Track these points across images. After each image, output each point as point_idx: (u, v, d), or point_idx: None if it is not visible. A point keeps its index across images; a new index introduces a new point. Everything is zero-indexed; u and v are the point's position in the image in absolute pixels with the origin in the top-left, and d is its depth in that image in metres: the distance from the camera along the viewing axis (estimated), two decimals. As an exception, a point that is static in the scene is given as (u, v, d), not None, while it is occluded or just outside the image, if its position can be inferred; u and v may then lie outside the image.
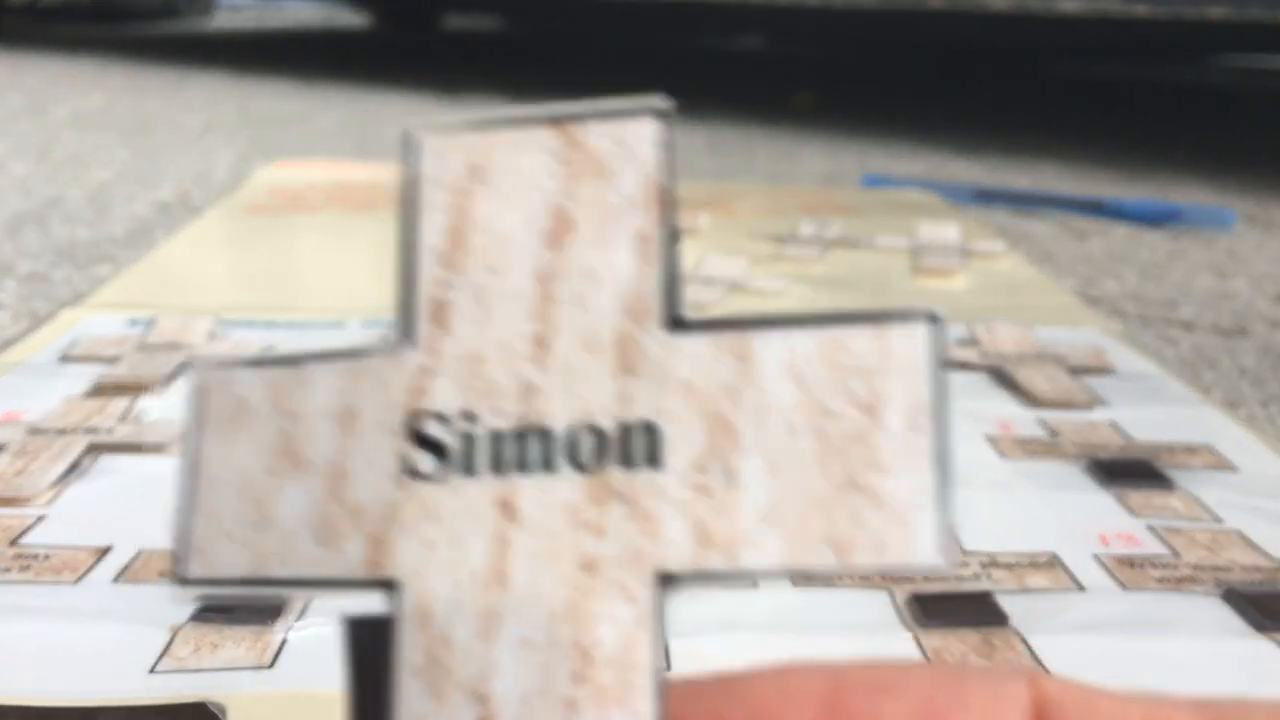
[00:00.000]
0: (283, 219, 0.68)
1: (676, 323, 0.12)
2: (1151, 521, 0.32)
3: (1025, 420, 0.39)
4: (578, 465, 0.11)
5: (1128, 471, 0.35)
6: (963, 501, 0.33)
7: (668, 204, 0.12)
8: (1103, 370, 0.44)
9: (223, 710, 0.23)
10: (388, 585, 0.11)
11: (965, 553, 0.30)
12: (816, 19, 1.53)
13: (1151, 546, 0.31)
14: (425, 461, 0.12)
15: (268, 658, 0.24)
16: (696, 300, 0.52)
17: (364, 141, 1.06)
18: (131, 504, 0.31)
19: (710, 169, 0.97)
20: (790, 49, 2.52)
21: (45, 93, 1.31)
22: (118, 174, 0.84)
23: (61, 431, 0.35)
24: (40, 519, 0.30)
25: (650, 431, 0.11)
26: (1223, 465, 0.36)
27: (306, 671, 0.24)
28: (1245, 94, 1.88)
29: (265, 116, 1.19)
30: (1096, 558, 0.30)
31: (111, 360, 0.42)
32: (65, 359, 0.42)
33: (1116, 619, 0.27)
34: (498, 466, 0.11)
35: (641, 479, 0.11)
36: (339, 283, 0.55)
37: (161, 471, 0.33)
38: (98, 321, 0.47)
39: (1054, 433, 0.38)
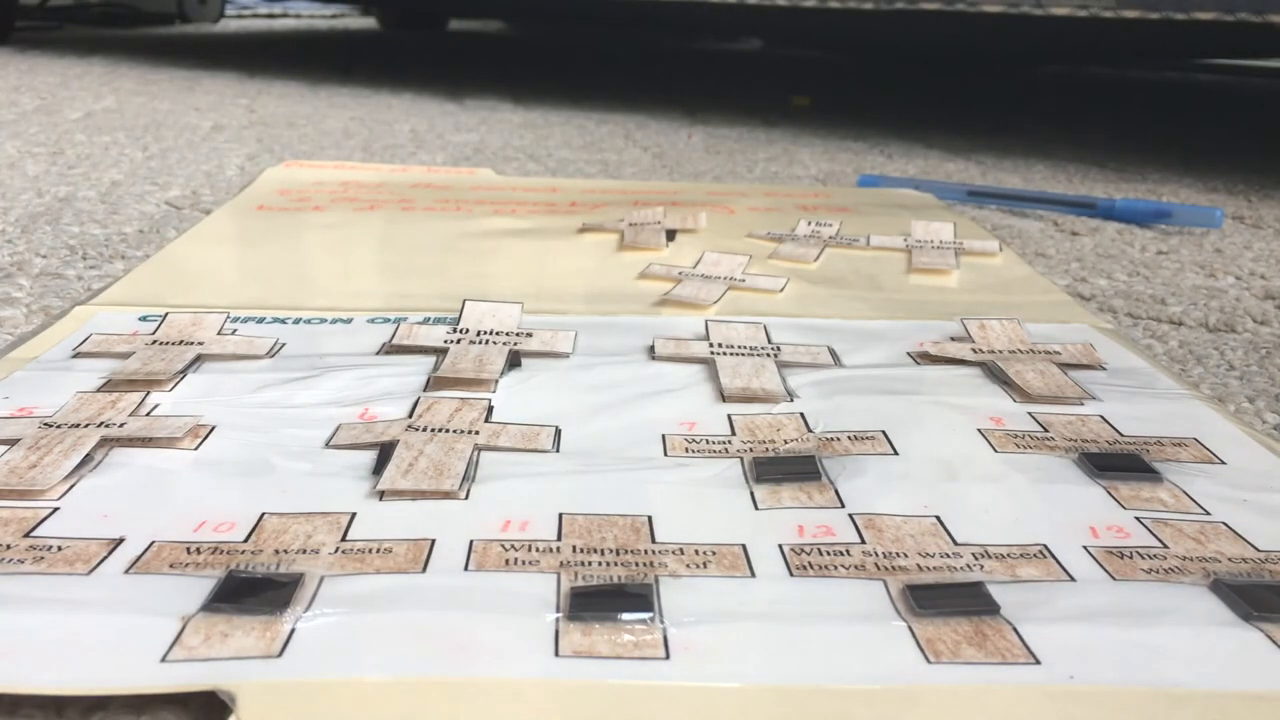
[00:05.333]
0: (291, 217, 0.69)
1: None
2: (1140, 514, 0.33)
3: (1017, 415, 0.40)
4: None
5: (1117, 465, 0.35)
6: (956, 493, 0.33)
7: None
8: (1093, 366, 0.45)
9: (233, 699, 0.23)
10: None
11: (958, 544, 0.30)
12: (813, 21, 1.54)
13: (1140, 538, 0.31)
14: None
15: (277, 647, 0.25)
16: (696, 298, 0.53)
17: (370, 142, 1.06)
18: (143, 496, 0.32)
19: (709, 169, 0.97)
20: (787, 51, 2.52)
21: (58, 94, 1.31)
22: (129, 173, 0.84)
23: (74, 426, 0.35)
24: (53, 511, 0.30)
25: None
26: (1210, 459, 0.36)
27: (315, 661, 0.24)
28: (1234, 95, 1.88)
29: (274, 117, 1.20)
30: (1086, 549, 0.30)
31: (123, 356, 0.43)
32: (78, 355, 0.43)
33: (1106, 609, 0.27)
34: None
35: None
36: (346, 280, 0.56)
37: (173, 465, 0.34)
38: (110, 318, 0.47)
39: (1045, 427, 0.39)
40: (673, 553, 0.29)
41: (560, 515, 0.31)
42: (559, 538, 0.30)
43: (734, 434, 0.37)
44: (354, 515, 0.31)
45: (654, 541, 0.30)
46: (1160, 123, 1.46)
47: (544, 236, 0.65)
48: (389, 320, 0.49)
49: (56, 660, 0.24)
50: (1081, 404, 0.41)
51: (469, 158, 0.99)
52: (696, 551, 0.30)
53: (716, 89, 1.70)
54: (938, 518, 0.32)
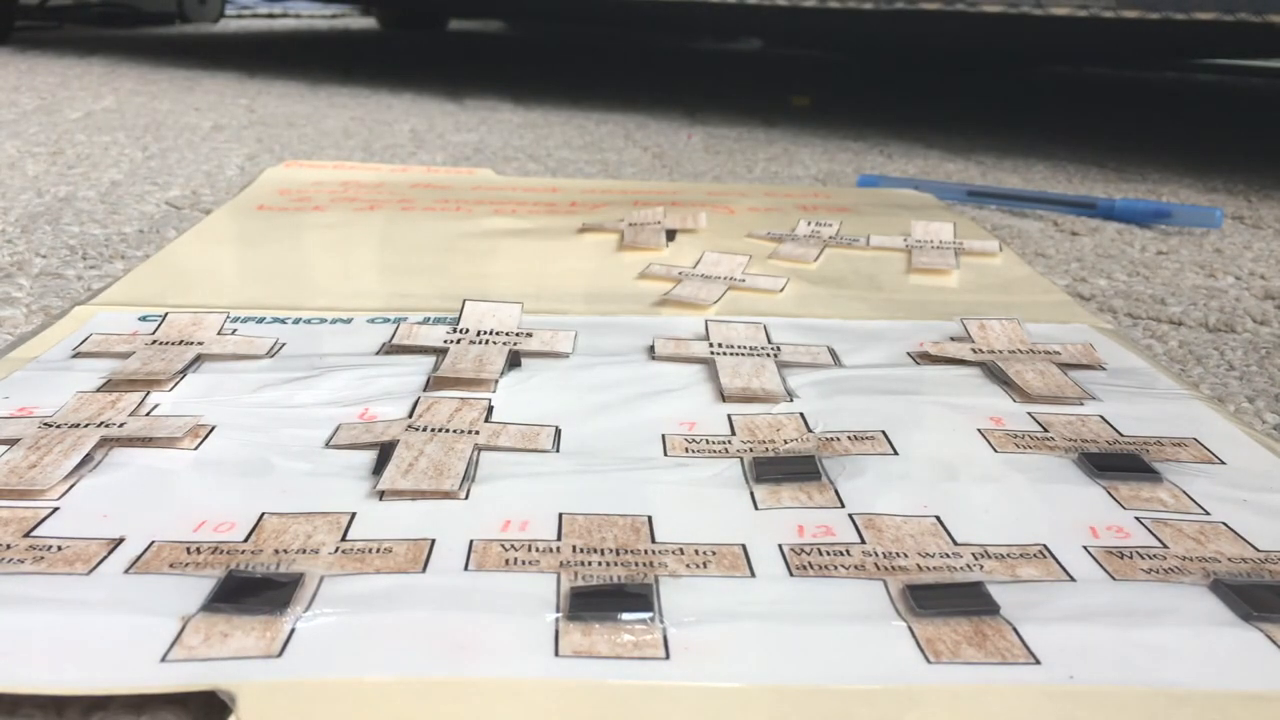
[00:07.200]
0: (291, 217, 0.69)
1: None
2: (1140, 514, 0.33)
3: (1017, 415, 0.40)
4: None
5: (1117, 465, 0.35)
6: (956, 493, 0.33)
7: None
8: (1093, 366, 0.45)
9: (233, 699, 0.23)
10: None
11: (957, 544, 0.30)
12: (813, 21, 1.54)
13: (1140, 538, 0.31)
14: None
15: (277, 647, 0.25)
16: (696, 298, 0.53)
17: (370, 142, 1.06)
18: (143, 496, 0.32)
19: (709, 169, 0.97)
20: (787, 51, 2.52)
21: (58, 94, 1.31)
22: (129, 173, 0.84)
23: (74, 426, 0.35)
24: (53, 511, 0.30)
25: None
26: (1210, 459, 0.36)
27: (315, 661, 0.24)
28: (1234, 95, 1.88)
29: (274, 117, 1.20)
30: (1086, 549, 0.30)
31: (123, 356, 0.43)
32: (78, 355, 0.43)
33: (1106, 609, 0.27)
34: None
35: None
36: (346, 280, 0.55)
37: (173, 465, 0.34)
38: (110, 318, 0.47)
39: (1045, 427, 0.39)
40: (673, 553, 0.29)
41: (560, 515, 0.31)
42: (559, 538, 0.30)
43: (734, 434, 0.37)
44: (354, 515, 0.31)
45: (654, 541, 0.30)
46: (1160, 123, 1.46)
47: (544, 236, 0.65)
48: (389, 320, 0.49)
49: (56, 660, 0.24)
50: (1081, 404, 0.41)
51: (469, 158, 0.99)
52: (696, 551, 0.30)
53: (716, 89, 1.70)
54: (938, 518, 0.32)
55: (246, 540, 0.29)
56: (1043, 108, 1.62)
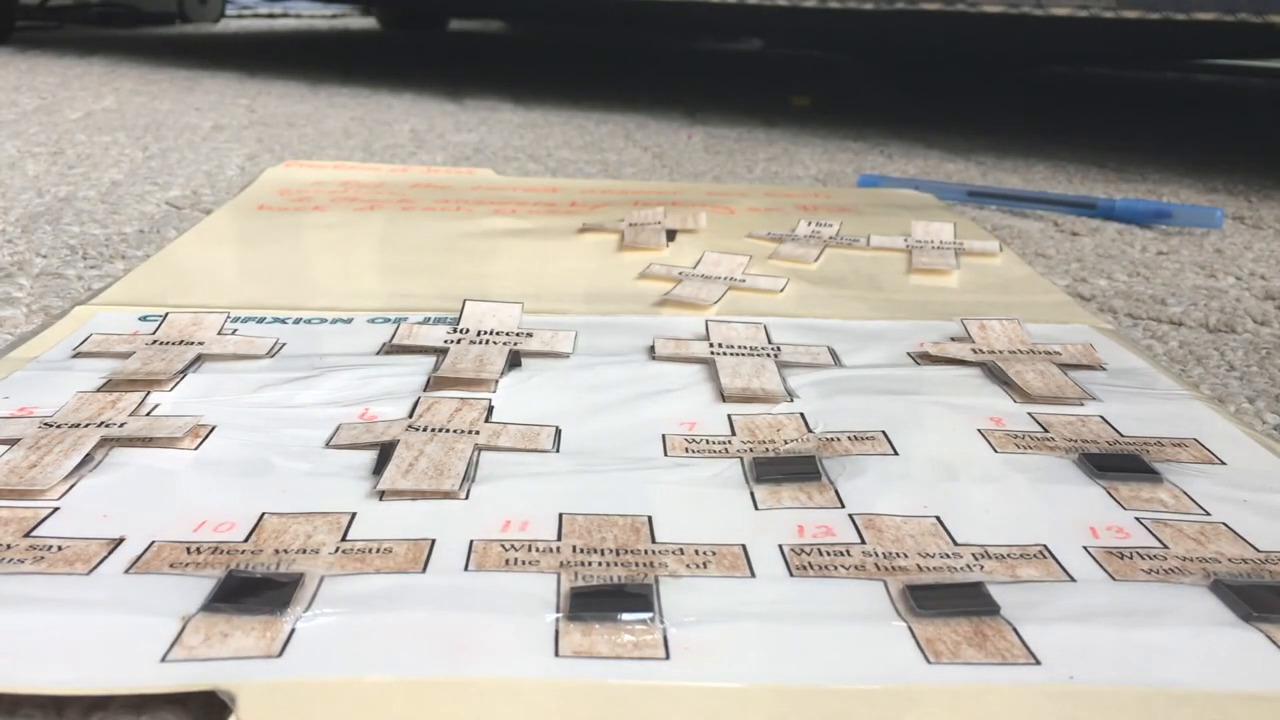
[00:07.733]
0: (291, 217, 0.69)
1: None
2: (1140, 514, 0.33)
3: (1017, 415, 0.40)
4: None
5: (1117, 465, 0.35)
6: (956, 493, 0.33)
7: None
8: (1093, 366, 0.45)
9: (233, 699, 0.23)
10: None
11: (957, 544, 0.30)
12: (813, 21, 1.54)
13: (1140, 538, 0.31)
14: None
15: (277, 647, 0.25)
16: (696, 298, 0.53)
17: (370, 142, 1.06)
18: (143, 496, 0.32)
19: (709, 169, 0.97)
20: (787, 51, 2.52)
21: (58, 94, 1.31)
22: (129, 173, 0.84)
23: (74, 426, 0.35)
24: (53, 511, 0.30)
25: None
26: (1210, 459, 0.36)
27: (315, 661, 0.24)
28: (1234, 95, 1.89)
29: (274, 117, 1.20)
30: (1086, 549, 0.30)
31: (123, 356, 0.43)
32: (78, 355, 0.43)
33: (1106, 609, 0.27)
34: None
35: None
36: (346, 280, 0.56)
37: (173, 465, 0.34)
38: (110, 318, 0.47)
39: (1045, 427, 0.39)
40: (673, 553, 0.29)
41: (560, 515, 0.31)
42: (559, 538, 0.30)
43: (734, 434, 0.38)
44: (354, 515, 0.31)
45: (654, 541, 0.30)
46: (1160, 123, 1.46)
47: (544, 236, 0.65)
48: (389, 320, 0.49)
49: (56, 660, 0.24)
50: (1081, 404, 0.41)
51: (469, 158, 0.99)
52: (696, 551, 0.30)
53: (716, 89, 1.70)
54: (938, 518, 0.32)
55: (246, 540, 0.29)
56: (1043, 108, 1.62)
